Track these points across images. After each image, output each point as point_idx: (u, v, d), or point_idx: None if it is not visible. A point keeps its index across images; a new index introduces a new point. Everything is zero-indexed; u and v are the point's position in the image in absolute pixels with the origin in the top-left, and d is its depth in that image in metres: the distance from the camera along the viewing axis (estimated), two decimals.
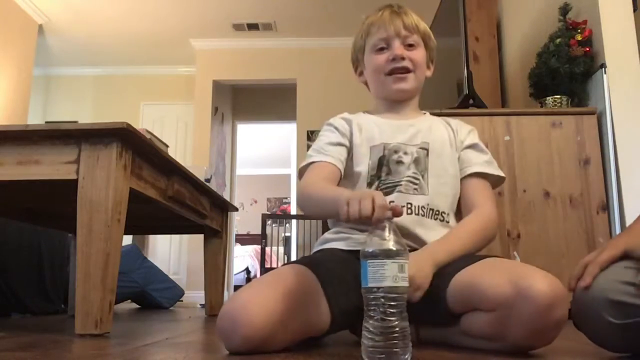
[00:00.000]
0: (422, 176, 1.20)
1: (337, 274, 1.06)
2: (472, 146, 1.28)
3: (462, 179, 1.25)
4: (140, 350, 1.06)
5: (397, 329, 0.77)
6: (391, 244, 0.78)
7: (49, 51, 5.44)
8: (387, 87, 1.26)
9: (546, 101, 2.35)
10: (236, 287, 5.75)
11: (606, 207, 2.12)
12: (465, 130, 1.31)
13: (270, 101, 5.97)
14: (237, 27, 5.07)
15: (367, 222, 0.82)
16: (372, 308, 0.78)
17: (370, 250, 0.79)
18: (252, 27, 5.06)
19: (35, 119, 5.50)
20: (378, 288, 0.77)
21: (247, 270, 7.29)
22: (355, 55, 1.35)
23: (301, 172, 1.23)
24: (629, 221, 2.02)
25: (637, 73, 2.14)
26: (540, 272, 0.91)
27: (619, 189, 2.07)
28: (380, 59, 1.25)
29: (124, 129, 1.34)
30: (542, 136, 2.22)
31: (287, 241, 6.55)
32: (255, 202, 10.55)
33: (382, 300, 0.77)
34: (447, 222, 1.20)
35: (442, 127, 1.30)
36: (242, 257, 7.35)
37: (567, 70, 2.27)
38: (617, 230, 2.05)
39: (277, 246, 4.80)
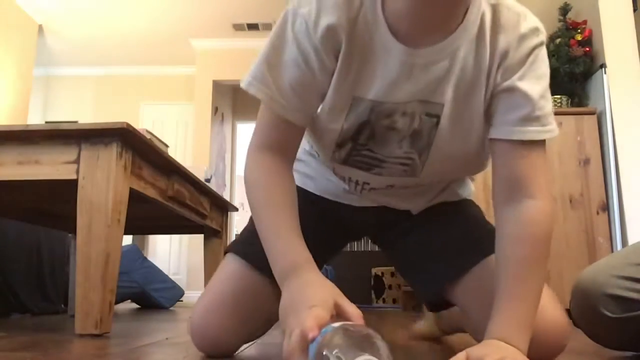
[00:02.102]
0: (419, 155, 0.82)
1: None
2: (508, 91, 0.74)
3: (493, 140, 0.77)
4: (140, 350, 1.06)
5: None
6: None
7: (49, 51, 5.44)
8: None
9: None
10: None
11: (606, 207, 2.12)
12: (519, 55, 0.73)
13: None
14: (237, 27, 5.07)
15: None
16: None
17: None
18: (252, 27, 5.06)
19: (35, 119, 5.50)
20: None
21: None
22: None
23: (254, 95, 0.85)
24: (629, 221, 2.03)
25: (637, 73, 2.15)
26: None
27: (619, 189, 2.07)
28: None
29: (124, 129, 1.34)
30: None
31: None
32: None
33: None
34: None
35: (474, 61, 0.75)
36: None
37: (567, 70, 2.27)
38: (617, 230, 2.05)
39: None
